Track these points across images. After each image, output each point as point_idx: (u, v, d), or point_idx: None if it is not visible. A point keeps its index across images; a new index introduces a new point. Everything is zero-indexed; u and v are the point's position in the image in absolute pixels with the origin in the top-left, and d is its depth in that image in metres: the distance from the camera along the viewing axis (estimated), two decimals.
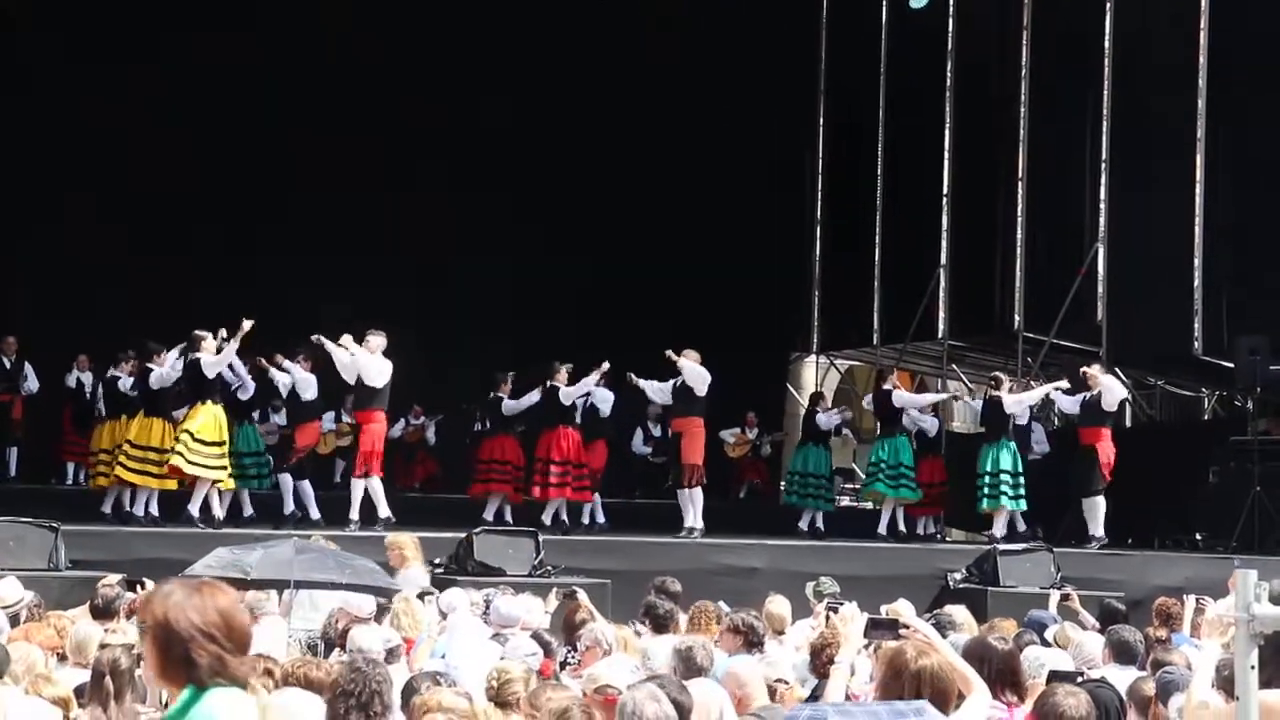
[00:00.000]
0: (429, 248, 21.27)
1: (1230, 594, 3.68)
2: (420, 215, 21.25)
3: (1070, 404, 17.21)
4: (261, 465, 16.72)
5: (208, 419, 14.39)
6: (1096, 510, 16.39)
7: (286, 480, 16.19)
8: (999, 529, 16.72)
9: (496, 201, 21.46)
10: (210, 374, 14.47)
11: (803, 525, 18.20)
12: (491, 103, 21.57)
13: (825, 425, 18.55)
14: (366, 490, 15.12)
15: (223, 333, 14.62)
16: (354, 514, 15.02)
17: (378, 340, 15.15)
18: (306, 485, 16.23)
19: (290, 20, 20.90)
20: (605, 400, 17.34)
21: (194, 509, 14.43)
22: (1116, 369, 18.26)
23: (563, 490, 16.60)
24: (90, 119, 19.79)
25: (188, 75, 20.48)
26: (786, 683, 7.53)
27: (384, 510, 15.14)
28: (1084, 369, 17.15)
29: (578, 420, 16.87)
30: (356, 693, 5.85)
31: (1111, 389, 16.81)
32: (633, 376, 16.81)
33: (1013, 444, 16.94)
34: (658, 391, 16.78)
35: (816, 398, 19.43)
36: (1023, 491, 16.76)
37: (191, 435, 14.29)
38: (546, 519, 16.44)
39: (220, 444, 14.54)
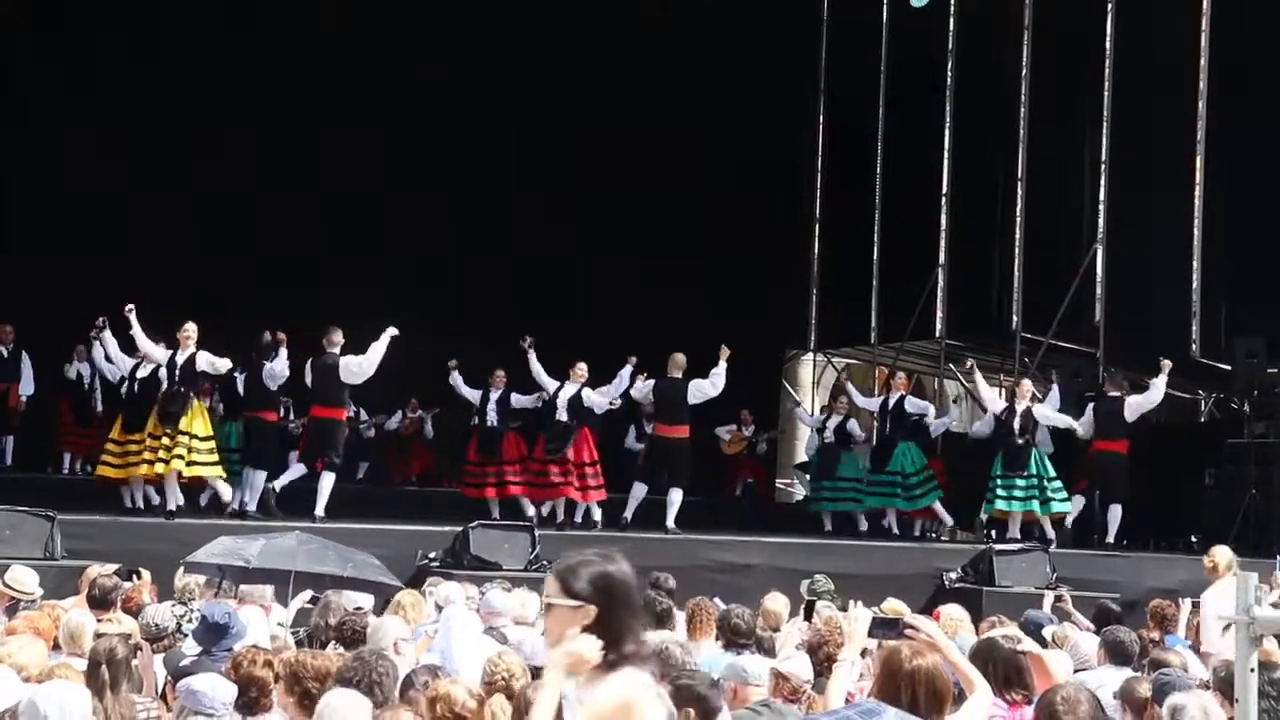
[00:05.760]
0: (429, 245, 21.25)
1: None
2: (420, 213, 21.22)
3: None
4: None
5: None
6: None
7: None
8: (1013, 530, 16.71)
9: (496, 199, 21.46)
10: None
11: (828, 526, 18.30)
12: (488, 104, 21.53)
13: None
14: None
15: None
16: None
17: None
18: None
19: (290, 19, 20.93)
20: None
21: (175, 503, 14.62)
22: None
23: (567, 490, 16.43)
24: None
25: (190, 74, 20.46)
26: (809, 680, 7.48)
27: None
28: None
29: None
30: (356, 680, 5.84)
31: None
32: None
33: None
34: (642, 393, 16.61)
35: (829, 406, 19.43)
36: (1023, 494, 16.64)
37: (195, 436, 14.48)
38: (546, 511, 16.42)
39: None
